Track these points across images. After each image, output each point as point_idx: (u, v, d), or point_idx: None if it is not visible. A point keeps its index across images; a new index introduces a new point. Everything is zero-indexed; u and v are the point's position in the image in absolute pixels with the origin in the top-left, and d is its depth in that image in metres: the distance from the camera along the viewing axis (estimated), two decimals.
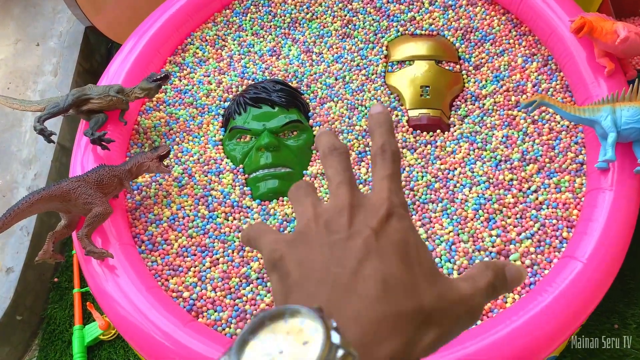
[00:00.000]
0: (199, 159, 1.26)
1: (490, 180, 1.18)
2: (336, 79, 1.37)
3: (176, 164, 1.26)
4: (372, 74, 1.36)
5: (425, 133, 1.27)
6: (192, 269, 1.12)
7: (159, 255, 1.14)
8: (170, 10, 1.41)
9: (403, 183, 1.20)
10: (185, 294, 1.09)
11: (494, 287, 0.33)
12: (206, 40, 1.45)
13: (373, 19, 1.43)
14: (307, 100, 1.34)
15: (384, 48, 1.40)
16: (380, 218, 0.31)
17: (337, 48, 1.42)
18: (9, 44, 1.64)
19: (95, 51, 1.71)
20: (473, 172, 1.21)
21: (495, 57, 1.35)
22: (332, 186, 0.34)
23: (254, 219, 1.18)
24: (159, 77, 1.21)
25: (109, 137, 1.17)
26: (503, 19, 1.38)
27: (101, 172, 1.08)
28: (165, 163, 1.22)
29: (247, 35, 1.47)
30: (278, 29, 1.47)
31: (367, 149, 1.26)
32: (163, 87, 1.36)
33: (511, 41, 1.36)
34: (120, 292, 1.04)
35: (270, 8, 1.48)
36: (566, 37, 1.25)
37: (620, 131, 1.05)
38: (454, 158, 1.23)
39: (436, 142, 1.26)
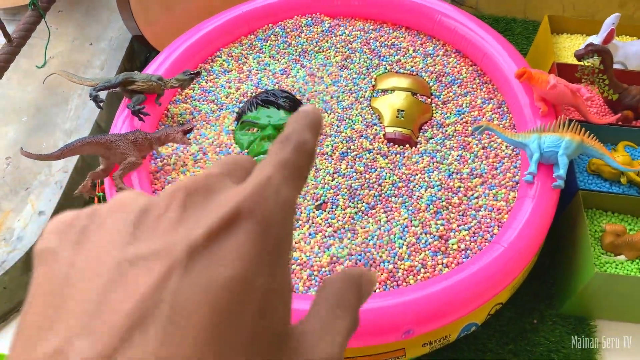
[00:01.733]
0: (213, 142, 1.56)
1: (442, 185, 1.48)
2: (331, 97, 1.69)
3: (194, 143, 1.55)
4: (361, 97, 1.69)
5: (396, 146, 1.58)
6: None
7: None
8: (206, 28, 1.76)
9: (374, 180, 1.49)
10: None
11: (352, 330, 0.23)
12: (232, 56, 1.79)
13: (367, 57, 1.78)
14: None
15: (372, 80, 1.73)
16: (211, 225, 0.20)
17: (335, 75, 1.76)
18: (67, 41, 1.98)
19: (136, 57, 2.05)
20: (430, 178, 1.50)
21: (460, 96, 1.68)
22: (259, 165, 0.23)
23: None
24: (193, 72, 1.53)
25: (146, 112, 1.47)
26: (470, 69, 1.73)
27: (137, 134, 1.38)
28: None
29: (265, 57, 1.81)
30: (290, 55, 1.82)
31: (348, 150, 1.56)
32: (192, 85, 1.68)
33: (474, 86, 1.70)
34: None
35: (286, 39, 1.83)
36: (515, 87, 1.59)
37: (542, 153, 1.36)
38: (417, 166, 1.53)
39: (404, 153, 1.57)
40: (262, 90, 1.68)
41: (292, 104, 1.61)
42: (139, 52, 2.05)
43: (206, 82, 1.72)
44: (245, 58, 1.81)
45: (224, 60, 1.78)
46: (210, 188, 0.22)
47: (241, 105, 1.66)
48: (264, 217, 0.20)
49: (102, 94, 1.65)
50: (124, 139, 1.34)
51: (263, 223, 0.20)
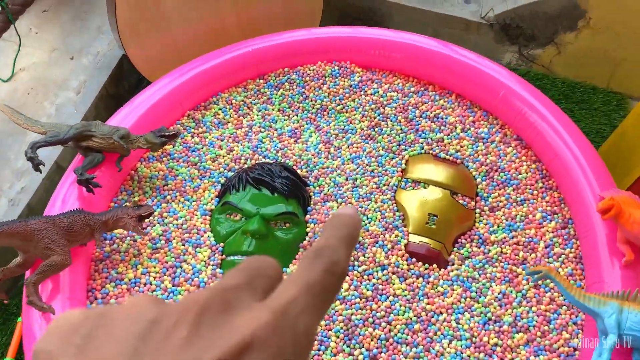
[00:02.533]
0: (182, 224, 1.20)
1: (474, 339, 1.09)
2: (347, 179, 1.31)
3: (158, 223, 1.20)
4: (384, 185, 1.30)
5: (420, 264, 1.19)
6: None
7: None
8: (206, 65, 1.39)
9: (382, 313, 1.11)
10: None
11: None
12: (231, 104, 1.42)
13: (401, 129, 1.39)
14: (311, 193, 1.28)
15: (403, 161, 1.34)
16: (220, 355, 0.19)
17: (357, 147, 1.37)
18: (46, 51, 1.64)
19: (126, 79, 1.70)
20: (458, 323, 1.11)
21: (515, 204, 1.27)
22: (285, 280, 0.23)
23: None
24: (167, 133, 1.17)
25: (97, 182, 1.12)
26: (533, 166, 1.32)
27: (75, 218, 1.03)
28: (146, 222, 1.16)
29: (273, 110, 1.43)
30: (305, 112, 1.44)
31: (355, 261, 1.18)
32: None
33: (535, 192, 1.29)
34: None
35: (303, 89, 1.45)
36: (591, 207, 1.17)
37: (622, 334, 0.95)
38: (443, 301, 1.14)
39: (429, 276, 1.18)
40: (257, 162, 1.30)
41: (291, 188, 1.23)
42: (130, 73, 1.70)
43: (192, 137, 1.36)
44: (249, 108, 1.43)
45: (220, 109, 1.41)
46: (227, 304, 0.21)
47: (230, 174, 1.30)
48: (277, 350, 0.20)
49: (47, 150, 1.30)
50: (52, 227, 0.99)
51: (275, 357, 0.20)
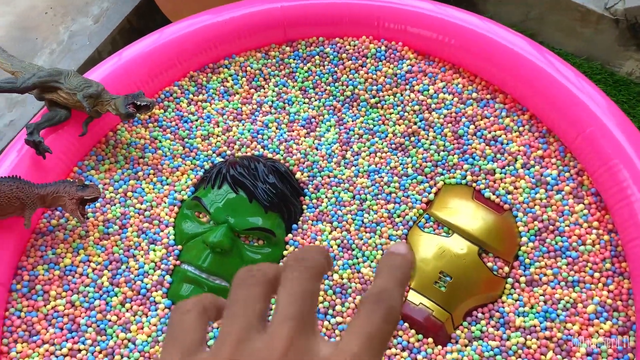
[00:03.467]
0: (145, 211, 1.02)
1: None
2: (354, 197, 1.04)
3: (120, 202, 1.02)
4: (398, 216, 1.02)
5: (412, 332, 0.93)
6: (47, 346, 0.89)
7: (27, 307, 0.92)
8: (220, 17, 1.14)
9: None
10: None
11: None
12: (246, 71, 1.17)
13: (444, 146, 1.07)
14: (304, 206, 1.03)
15: (434, 189, 1.04)
16: None
17: (380, 158, 1.08)
18: None
19: (158, 12, 1.49)
20: None
21: (564, 284, 0.95)
22: (275, 316, 0.24)
23: (150, 323, 0.92)
24: (139, 103, 0.96)
25: (47, 147, 0.95)
26: (605, 238, 0.97)
27: (4, 187, 0.87)
28: (106, 198, 0.99)
29: (293, 88, 1.16)
30: (331, 97, 1.15)
31: (330, 310, 0.94)
32: (165, 103, 1.12)
33: (596, 275, 0.95)
34: None
35: (336, 68, 1.16)
36: None
37: None
38: None
39: (419, 352, 0.91)
40: (245, 155, 1.06)
41: (274, 200, 0.98)
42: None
43: (188, 104, 1.14)
44: (265, 80, 1.17)
45: (230, 75, 1.17)
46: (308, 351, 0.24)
47: (218, 161, 1.07)
48: None
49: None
50: None
51: None
